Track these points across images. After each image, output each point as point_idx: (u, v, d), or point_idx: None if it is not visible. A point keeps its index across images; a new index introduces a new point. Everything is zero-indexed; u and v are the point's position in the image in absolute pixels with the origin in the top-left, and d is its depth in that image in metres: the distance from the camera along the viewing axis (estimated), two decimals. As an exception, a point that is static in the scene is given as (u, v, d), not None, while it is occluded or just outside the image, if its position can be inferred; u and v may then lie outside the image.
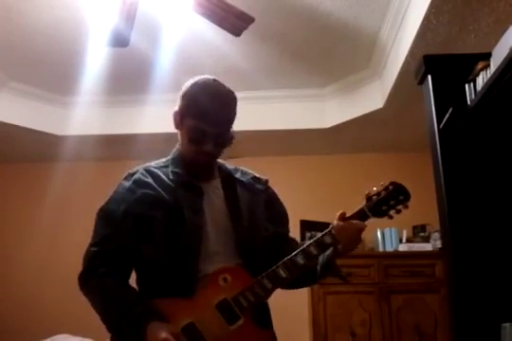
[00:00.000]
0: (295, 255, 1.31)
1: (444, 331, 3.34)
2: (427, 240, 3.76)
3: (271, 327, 1.42)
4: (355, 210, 1.39)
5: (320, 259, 1.38)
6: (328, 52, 3.39)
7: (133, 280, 1.43)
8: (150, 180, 1.41)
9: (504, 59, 1.50)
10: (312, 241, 1.34)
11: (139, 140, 4.06)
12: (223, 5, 2.49)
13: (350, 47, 3.33)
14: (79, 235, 4.26)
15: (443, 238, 1.98)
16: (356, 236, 1.34)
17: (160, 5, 2.72)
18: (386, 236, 3.84)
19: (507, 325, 1.58)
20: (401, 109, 3.53)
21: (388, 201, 1.37)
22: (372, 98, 3.66)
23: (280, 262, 1.30)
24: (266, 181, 1.56)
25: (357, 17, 3.00)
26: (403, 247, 3.73)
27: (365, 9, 2.93)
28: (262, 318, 1.36)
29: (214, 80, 1.40)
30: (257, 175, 1.57)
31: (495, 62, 1.64)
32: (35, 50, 3.33)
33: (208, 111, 1.35)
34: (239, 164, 1.63)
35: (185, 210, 1.35)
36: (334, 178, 4.37)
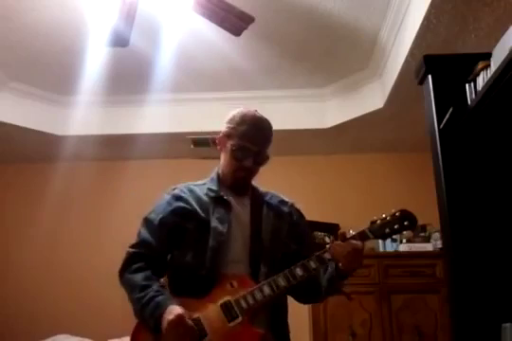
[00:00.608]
0: (295, 267, 1.49)
1: (444, 331, 3.34)
2: (427, 240, 3.76)
3: (286, 331, 1.62)
4: (357, 231, 1.53)
5: (325, 280, 1.56)
6: (328, 52, 3.39)
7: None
8: (187, 195, 1.66)
9: (505, 59, 1.50)
10: (313, 256, 1.50)
11: (139, 140, 4.06)
12: (223, 5, 2.49)
13: (350, 47, 3.33)
14: (79, 235, 4.30)
15: (443, 238, 1.97)
16: (354, 255, 1.47)
17: (160, 5, 2.72)
18: (386, 236, 3.83)
19: (507, 325, 1.58)
20: (401, 109, 3.53)
21: (392, 225, 1.50)
22: (372, 98, 3.65)
23: (281, 273, 1.49)
24: (292, 204, 1.77)
25: (358, 17, 3.00)
26: (403, 247, 3.72)
27: (365, 9, 2.93)
28: (275, 321, 1.57)
29: (255, 111, 1.69)
30: (285, 199, 1.78)
31: (495, 62, 1.64)
32: (35, 50, 3.33)
33: (251, 132, 1.62)
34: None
35: (213, 220, 1.59)
36: (334, 178, 4.37)
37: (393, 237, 1.50)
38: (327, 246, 1.50)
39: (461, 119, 1.81)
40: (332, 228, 4.02)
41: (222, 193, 1.66)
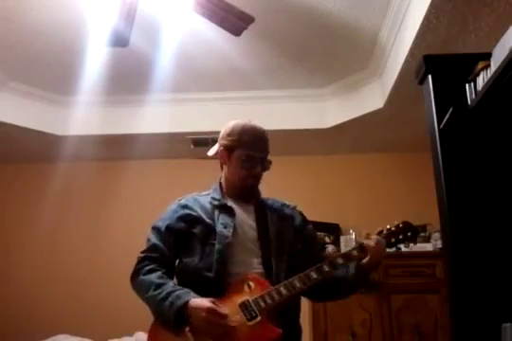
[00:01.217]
0: (309, 271, 1.58)
1: (444, 331, 3.34)
2: (427, 240, 3.75)
3: (298, 331, 1.69)
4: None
5: (349, 273, 1.68)
6: (328, 52, 3.39)
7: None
8: (192, 204, 1.76)
9: (505, 59, 1.50)
10: (326, 261, 1.61)
11: (139, 140, 4.06)
12: (223, 5, 2.49)
13: (350, 47, 3.33)
14: (78, 235, 4.30)
15: (443, 238, 1.97)
16: (382, 253, 1.64)
17: (160, 5, 2.72)
18: (386, 236, 3.82)
19: (507, 325, 1.58)
20: (401, 109, 3.53)
21: (397, 235, 1.68)
22: (372, 98, 3.65)
23: (296, 275, 1.57)
24: (294, 207, 1.87)
25: (358, 17, 3.00)
26: (403, 247, 3.72)
27: (365, 9, 2.93)
28: (287, 318, 1.61)
29: (250, 120, 1.80)
30: (286, 202, 1.87)
31: (495, 62, 1.64)
32: (35, 50, 3.33)
33: (254, 141, 1.73)
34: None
35: (218, 226, 1.67)
36: (334, 178, 4.37)
37: (398, 246, 1.76)
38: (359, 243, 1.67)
39: (461, 119, 1.81)
40: (332, 228, 4.02)
41: (225, 201, 1.75)
